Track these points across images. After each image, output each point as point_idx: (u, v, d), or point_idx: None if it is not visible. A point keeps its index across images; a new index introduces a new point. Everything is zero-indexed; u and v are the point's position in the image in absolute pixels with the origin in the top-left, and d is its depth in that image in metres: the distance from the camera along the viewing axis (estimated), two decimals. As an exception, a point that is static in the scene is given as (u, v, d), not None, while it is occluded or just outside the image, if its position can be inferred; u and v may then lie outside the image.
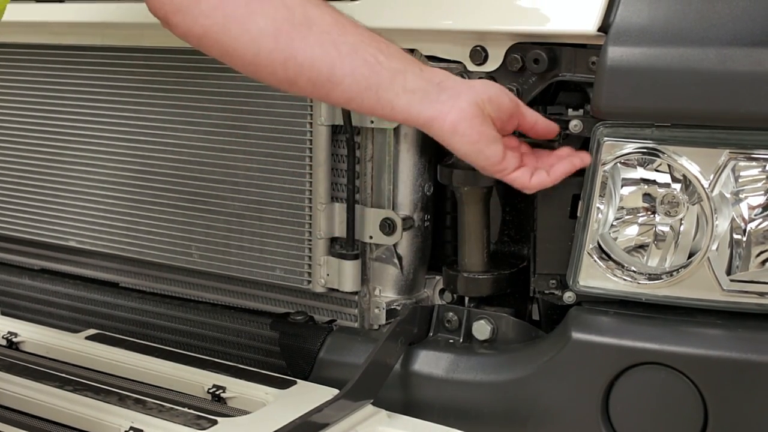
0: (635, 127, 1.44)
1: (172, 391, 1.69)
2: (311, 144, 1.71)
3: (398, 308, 1.71)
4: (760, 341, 1.42)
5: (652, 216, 1.46)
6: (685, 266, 1.45)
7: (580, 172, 1.50)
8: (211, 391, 1.66)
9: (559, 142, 1.54)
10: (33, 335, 1.89)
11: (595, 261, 1.49)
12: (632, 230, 1.47)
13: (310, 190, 1.73)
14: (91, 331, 1.92)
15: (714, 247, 1.43)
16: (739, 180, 1.41)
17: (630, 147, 1.45)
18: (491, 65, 1.55)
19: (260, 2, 1.40)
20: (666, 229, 1.45)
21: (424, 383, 1.62)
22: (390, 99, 1.40)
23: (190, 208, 1.85)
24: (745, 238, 1.41)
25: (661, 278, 1.47)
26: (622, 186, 1.47)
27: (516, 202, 1.71)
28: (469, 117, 1.41)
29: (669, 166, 1.43)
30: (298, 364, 1.73)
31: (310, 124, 1.70)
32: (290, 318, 1.78)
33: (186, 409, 1.58)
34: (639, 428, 1.49)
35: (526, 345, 1.60)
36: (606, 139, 1.45)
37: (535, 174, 1.46)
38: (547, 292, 1.58)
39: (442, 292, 1.73)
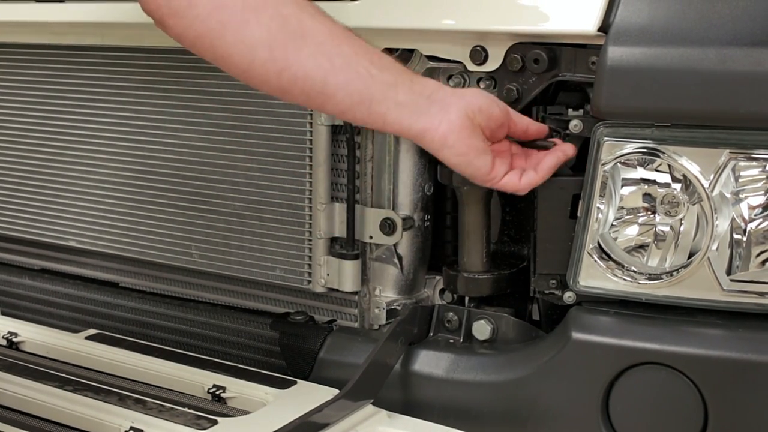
0: (635, 127, 1.44)
1: (172, 391, 1.69)
2: (311, 144, 1.71)
3: (398, 308, 1.71)
4: (760, 341, 1.42)
5: (652, 216, 1.46)
6: (685, 266, 1.45)
7: (581, 172, 1.50)
8: (211, 391, 1.66)
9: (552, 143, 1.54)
10: (33, 335, 1.89)
11: (595, 261, 1.49)
12: (632, 230, 1.47)
13: (310, 190, 1.73)
14: (91, 331, 1.92)
15: (714, 247, 1.43)
16: (739, 180, 1.41)
17: (630, 147, 1.45)
18: (491, 65, 1.55)
19: (255, 10, 1.39)
20: (666, 229, 1.45)
21: (424, 383, 1.62)
22: (382, 112, 1.41)
23: (190, 208, 1.85)
24: (745, 238, 1.41)
25: (661, 278, 1.47)
26: (622, 186, 1.46)
27: (516, 202, 1.71)
28: (458, 129, 1.42)
29: (669, 166, 1.43)
30: (298, 364, 1.73)
31: (310, 124, 1.70)
32: (290, 318, 1.78)
33: (186, 409, 1.58)
34: (639, 428, 1.49)
35: (526, 345, 1.60)
36: (606, 139, 1.45)
37: (524, 175, 1.48)
38: (547, 292, 1.58)
39: (442, 292, 1.74)
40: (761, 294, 1.43)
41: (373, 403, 1.57)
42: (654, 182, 1.45)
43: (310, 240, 1.74)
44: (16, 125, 2.05)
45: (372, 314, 1.75)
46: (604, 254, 1.49)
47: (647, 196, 1.46)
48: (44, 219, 2.04)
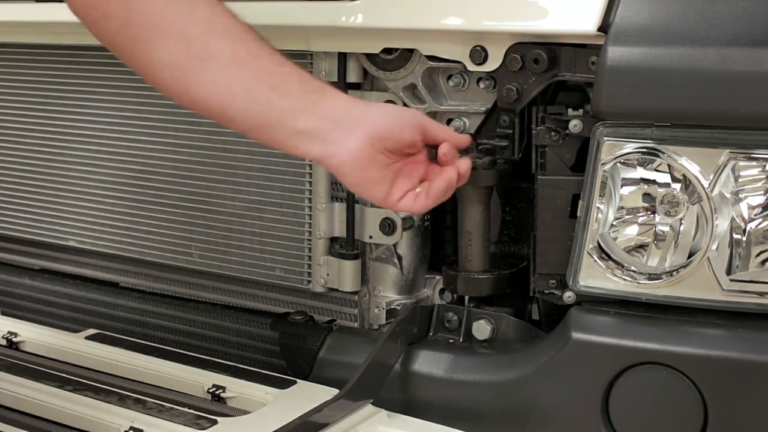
0: (635, 127, 1.44)
1: (172, 391, 1.69)
2: (311, 144, 1.70)
3: (398, 308, 1.71)
4: (760, 341, 1.42)
5: (652, 216, 1.46)
6: (685, 266, 1.45)
7: (581, 172, 1.50)
8: (211, 391, 1.66)
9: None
10: (33, 335, 1.89)
11: (595, 261, 1.49)
12: (632, 230, 1.47)
13: (310, 190, 1.73)
14: (91, 331, 1.92)
15: (714, 247, 1.43)
16: (739, 180, 1.41)
17: (630, 147, 1.45)
18: (491, 65, 1.55)
19: (162, 31, 1.38)
20: (666, 228, 1.45)
21: (424, 383, 1.62)
22: (281, 139, 1.42)
23: (190, 208, 1.86)
24: (745, 238, 1.41)
25: (661, 278, 1.47)
26: (622, 186, 1.46)
27: (516, 202, 1.71)
28: (356, 159, 1.40)
29: (669, 166, 1.43)
30: (298, 364, 1.73)
31: (310, 124, 1.70)
32: (290, 318, 1.78)
33: (186, 409, 1.58)
34: (639, 428, 1.48)
35: (526, 345, 1.60)
36: (606, 139, 1.45)
37: (417, 198, 1.45)
38: (547, 292, 1.58)
39: (442, 291, 1.74)
40: (761, 294, 1.43)
41: (372, 403, 1.57)
42: (654, 182, 1.45)
43: (310, 240, 1.75)
44: (16, 125, 2.05)
45: (372, 314, 1.75)
46: (603, 254, 1.49)
47: (647, 196, 1.46)
48: (44, 219, 2.04)
